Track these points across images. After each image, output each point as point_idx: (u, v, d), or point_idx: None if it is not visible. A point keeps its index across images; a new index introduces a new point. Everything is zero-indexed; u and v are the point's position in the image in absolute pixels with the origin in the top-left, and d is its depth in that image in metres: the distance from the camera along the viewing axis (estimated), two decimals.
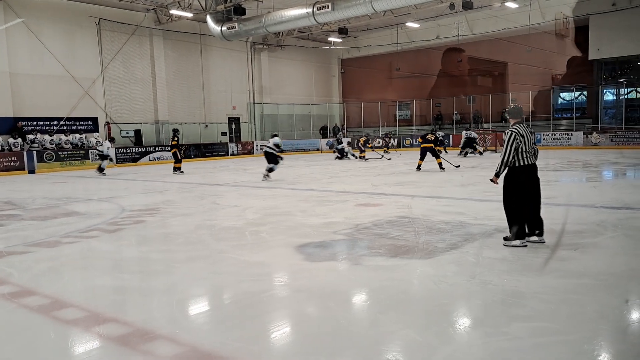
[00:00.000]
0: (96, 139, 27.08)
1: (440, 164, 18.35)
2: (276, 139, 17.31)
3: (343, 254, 6.89)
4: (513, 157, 6.65)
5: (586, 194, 11.90)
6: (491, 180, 7.16)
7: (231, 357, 3.85)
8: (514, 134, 6.62)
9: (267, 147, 17.12)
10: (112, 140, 25.32)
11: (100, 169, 21.77)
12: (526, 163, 6.65)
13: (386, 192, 12.85)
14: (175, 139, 20.99)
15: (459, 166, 19.25)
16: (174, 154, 21.26)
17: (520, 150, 6.62)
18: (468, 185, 13.76)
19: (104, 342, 4.22)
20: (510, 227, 6.80)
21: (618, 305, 4.66)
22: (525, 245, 6.65)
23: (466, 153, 26.25)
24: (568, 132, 30.71)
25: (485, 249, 6.65)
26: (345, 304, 5.05)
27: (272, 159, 16.92)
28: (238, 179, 18.28)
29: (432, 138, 19.00)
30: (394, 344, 4.03)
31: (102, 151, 22.23)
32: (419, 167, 18.74)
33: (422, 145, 18.89)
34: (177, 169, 21.03)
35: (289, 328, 4.51)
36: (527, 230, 6.78)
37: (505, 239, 6.86)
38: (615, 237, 7.20)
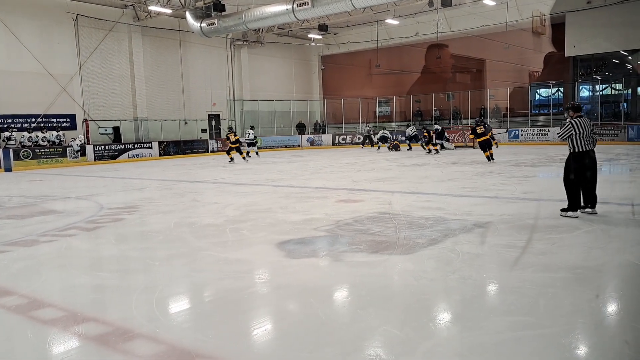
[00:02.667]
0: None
1: (491, 155, 18.95)
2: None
3: (324, 251, 6.90)
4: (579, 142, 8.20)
5: (563, 189, 11.98)
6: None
7: (212, 355, 3.84)
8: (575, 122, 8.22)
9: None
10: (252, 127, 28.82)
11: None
12: (585, 149, 8.24)
13: (366, 188, 12.88)
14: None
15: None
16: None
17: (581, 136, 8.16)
18: (447, 181, 13.82)
19: (83, 341, 4.19)
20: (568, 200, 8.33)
21: (594, 299, 4.72)
22: (577, 217, 8.12)
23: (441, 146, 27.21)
24: (545, 128, 30.96)
25: (465, 244, 6.70)
26: (326, 300, 5.06)
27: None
28: (218, 176, 18.22)
29: (484, 129, 19.29)
30: (374, 339, 4.05)
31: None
32: (489, 158, 18.98)
33: (480, 140, 19.11)
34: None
35: (270, 325, 4.51)
36: (582, 204, 8.34)
37: (562, 210, 8.37)
38: (590, 231, 7.28)
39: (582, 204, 8.30)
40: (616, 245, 6.63)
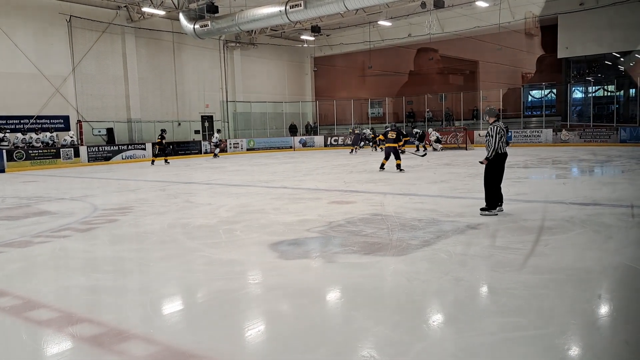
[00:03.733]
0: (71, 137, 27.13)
1: (398, 165, 17.16)
2: None
3: (316, 252, 6.91)
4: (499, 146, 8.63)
5: (556, 190, 12.07)
6: (481, 162, 9.03)
7: (206, 356, 3.85)
8: (498, 127, 8.67)
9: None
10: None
11: None
12: (504, 151, 8.75)
13: (359, 190, 12.91)
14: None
15: (425, 154, 18.89)
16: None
17: (503, 141, 8.67)
18: (440, 183, 13.86)
19: (77, 342, 4.20)
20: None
21: (587, 300, 4.75)
22: (497, 214, 8.68)
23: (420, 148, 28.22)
24: (538, 130, 31.09)
25: (458, 245, 6.73)
26: (318, 301, 5.08)
27: None
28: (211, 177, 18.22)
29: (394, 136, 17.40)
30: (367, 340, 4.07)
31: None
32: (382, 167, 17.73)
33: (387, 145, 17.55)
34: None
35: (263, 326, 4.52)
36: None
37: (482, 209, 8.82)
38: (584, 233, 7.32)
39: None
40: (609, 246, 6.66)
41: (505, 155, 8.79)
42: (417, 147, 28.42)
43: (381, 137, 18.08)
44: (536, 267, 5.70)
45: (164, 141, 26.55)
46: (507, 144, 9.06)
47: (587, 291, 5.00)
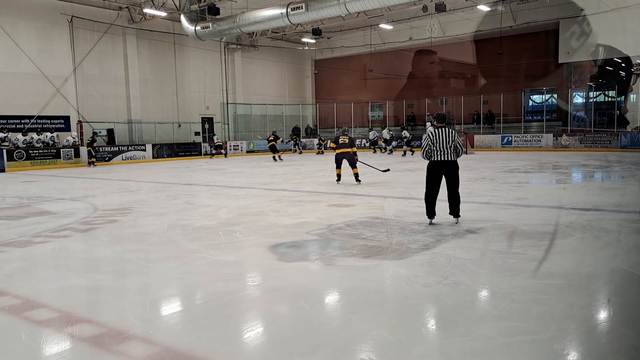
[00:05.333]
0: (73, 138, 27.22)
1: (356, 175, 15.17)
2: None
3: (316, 254, 6.92)
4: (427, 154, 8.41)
5: (556, 195, 12.08)
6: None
7: (204, 357, 3.85)
8: (426, 135, 8.43)
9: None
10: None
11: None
12: (438, 159, 8.36)
13: (358, 193, 12.90)
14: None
15: (387, 170, 16.41)
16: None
17: (429, 149, 8.35)
18: (440, 186, 13.83)
19: (77, 342, 4.20)
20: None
21: (586, 305, 4.75)
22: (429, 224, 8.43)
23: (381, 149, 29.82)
24: (538, 134, 31.10)
25: (457, 249, 6.72)
26: (318, 304, 5.08)
27: None
28: (211, 178, 18.22)
29: (347, 141, 15.15)
30: (366, 343, 4.06)
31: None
32: (339, 178, 15.50)
33: (340, 151, 15.00)
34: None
35: (262, 328, 4.52)
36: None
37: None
38: (584, 238, 7.32)
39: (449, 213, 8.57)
40: (609, 252, 6.66)
41: (438, 163, 8.37)
42: (405, 152, 28.76)
43: (332, 144, 15.51)
44: (536, 272, 5.70)
45: (94, 144, 26.88)
46: (457, 153, 8.43)
47: (587, 296, 5.00)
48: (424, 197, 8.62)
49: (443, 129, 8.40)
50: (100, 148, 28.24)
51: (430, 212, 8.53)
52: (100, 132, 29.49)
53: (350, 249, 7.00)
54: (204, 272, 6.17)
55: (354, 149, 15.09)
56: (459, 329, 4.23)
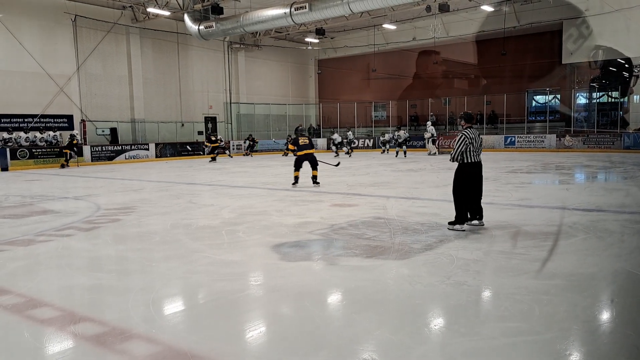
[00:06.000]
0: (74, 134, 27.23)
1: (315, 177, 14.69)
2: None
3: (318, 254, 6.92)
4: (462, 155, 7.92)
5: (559, 196, 12.06)
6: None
7: (207, 357, 3.86)
8: (464, 136, 7.89)
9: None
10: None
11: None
12: (474, 160, 7.95)
13: (361, 193, 12.90)
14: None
15: (338, 164, 16.55)
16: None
17: (468, 150, 7.89)
18: (443, 187, 13.84)
19: (79, 341, 4.20)
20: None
21: (589, 306, 4.75)
22: (464, 230, 7.87)
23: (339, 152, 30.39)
24: (542, 135, 31.06)
25: (460, 250, 6.72)
26: (320, 303, 5.08)
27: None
28: (214, 178, 18.23)
29: (308, 142, 14.79)
30: (369, 343, 4.06)
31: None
32: (296, 180, 14.79)
33: (302, 153, 14.48)
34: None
35: (264, 327, 4.53)
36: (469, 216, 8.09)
37: (450, 223, 8.08)
38: (587, 238, 7.31)
39: (469, 216, 8.11)
40: (612, 252, 6.65)
41: (472, 165, 7.96)
42: (397, 152, 28.94)
43: (291, 146, 14.99)
44: (538, 272, 5.70)
45: (74, 147, 25.94)
46: (478, 152, 8.06)
47: (589, 297, 5.00)
48: (455, 201, 8.08)
49: (471, 128, 8.08)
50: (103, 147, 28.26)
51: (466, 217, 8.06)
52: (103, 131, 29.54)
53: (353, 248, 7.00)
54: (207, 271, 6.18)
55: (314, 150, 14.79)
56: (462, 329, 4.23)
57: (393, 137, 30.54)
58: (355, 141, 34.02)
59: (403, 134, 28.77)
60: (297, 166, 14.70)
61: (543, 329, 4.18)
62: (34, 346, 4.20)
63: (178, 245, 7.57)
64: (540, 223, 8.37)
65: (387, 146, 32.48)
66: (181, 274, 6.07)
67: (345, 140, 31.75)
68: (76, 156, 25.93)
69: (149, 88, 31.90)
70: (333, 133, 33.48)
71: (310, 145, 14.75)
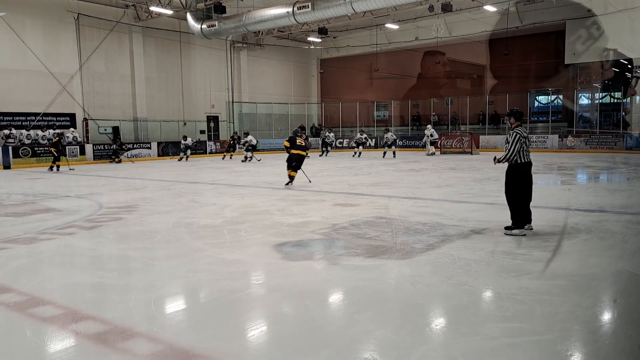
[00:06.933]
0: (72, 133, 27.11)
1: (292, 178, 14.55)
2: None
3: (320, 254, 6.93)
4: (518, 155, 7.60)
5: (561, 196, 12.06)
6: (496, 160, 8.03)
7: (208, 356, 3.86)
8: (518, 134, 7.61)
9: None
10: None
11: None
12: (526, 160, 7.69)
13: (363, 193, 12.90)
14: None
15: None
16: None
17: (522, 149, 7.60)
18: (445, 187, 13.86)
19: (81, 339, 4.21)
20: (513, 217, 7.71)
21: (590, 306, 4.75)
22: (525, 235, 7.54)
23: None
24: (544, 135, 31.03)
25: (462, 250, 6.73)
26: (322, 303, 5.09)
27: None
28: (216, 177, 18.24)
29: (304, 143, 14.80)
30: (370, 343, 4.07)
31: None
32: (291, 180, 14.54)
33: (295, 152, 14.55)
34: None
35: (265, 327, 4.54)
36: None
37: (507, 228, 7.74)
38: (588, 239, 7.31)
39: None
40: (613, 253, 6.65)
41: (526, 165, 7.73)
42: (385, 153, 28.82)
43: (286, 143, 15.04)
44: (540, 273, 5.70)
45: (60, 146, 22.80)
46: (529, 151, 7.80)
47: (591, 298, 5.00)
48: (510, 205, 7.81)
49: (521, 126, 7.85)
50: (105, 146, 28.28)
51: (524, 220, 7.72)
52: (105, 130, 29.55)
53: (355, 248, 7.00)
54: (209, 270, 6.19)
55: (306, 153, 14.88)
56: (463, 329, 4.23)
57: (387, 138, 30.39)
58: (367, 141, 33.28)
59: (390, 135, 28.73)
60: (289, 165, 14.66)
61: (544, 329, 4.19)
62: (36, 344, 4.21)
63: (180, 244, 7.58)
64: (542, 223, 8.36)
65: (360, 148, 30.38)
66: (183, 273, 6.08)
67: (362, 138, 31.07)
68: (59, 155, 22.93)
69: (152, 87, 31.90)
70: (330, 131, 33.41)
71: (305, 148, 14.78)
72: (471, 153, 29.11)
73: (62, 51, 27.85)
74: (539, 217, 9.07)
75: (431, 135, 28.92)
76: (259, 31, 34.43)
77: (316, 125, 41.19)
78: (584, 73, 32.46)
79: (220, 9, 27.31)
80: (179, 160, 28.91)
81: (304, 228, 8.49)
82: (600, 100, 32.38)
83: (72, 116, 28.37)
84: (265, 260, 6.61)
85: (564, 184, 14.59)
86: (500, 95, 33.87)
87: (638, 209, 9.99)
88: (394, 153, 28.36)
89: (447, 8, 27.87)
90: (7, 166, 23.98)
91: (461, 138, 30.71)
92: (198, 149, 32.15)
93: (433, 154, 28.71)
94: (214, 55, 35.62)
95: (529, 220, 7.80)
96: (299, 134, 15.76)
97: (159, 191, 14.15)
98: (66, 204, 12.00)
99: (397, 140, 30.32)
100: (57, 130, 25.92)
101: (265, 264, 6.47)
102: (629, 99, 31.18)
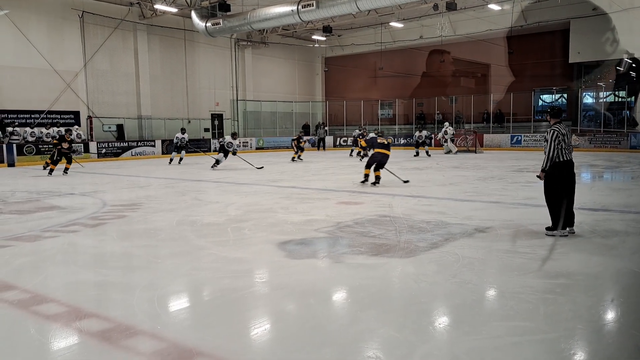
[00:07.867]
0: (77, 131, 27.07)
1: (378, 178, 13.98)
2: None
3: (324, 252, 6.93)
4: (557, 153, 7.38)
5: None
6: (538, 177, 7.83)
7: (212, 354, 3.87)
8: (555, 132, 7.43)
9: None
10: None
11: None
12: (566, 159, 7.40)
13: (367, 191, 12.89)
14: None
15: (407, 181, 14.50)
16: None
17: (561, 147, 7.36)
18: (449, 185, 13.85)
19: (85, 337, 4.22)
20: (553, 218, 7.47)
21: (593, 305, 4.74)
22: (567, 235, 7.32)
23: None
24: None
25: (466, 248, 6.72)
26: (325, 301, 5.09)
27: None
28: (220, 175, 18.24)
29: (386, 142, 14.12)
30: (373, 341, 4.07)
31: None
32: (377, 180, 13.92)
33: (381, 151, 13.90)
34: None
35: (269, 325, 4.53)
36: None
37: (548, 229, 7.53)
38: (591, 238, 7.29)
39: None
40: (617, 252, 6.64)
41: (565, 163, 7.42)
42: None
43: (363, 143, 15.02)
44: (544, 272, 5.69)
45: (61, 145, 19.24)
46: (570, 149, 7.50)
47: (594, 296, 4.99)
48: (549, 206, 7.63)
49: (560, 124, 7.63)
50: (109, 144, 28.30)
51: (566, 219, 7.42)
52: (110, 128, 29.59)
53: (359, 246, 7.00)
54: (212, 268, 6.20)
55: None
56: (466, 328, 4.23)
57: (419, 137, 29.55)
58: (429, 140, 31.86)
59: (425, 133, 28.39)
60: (370, 164, 14.06)
61: (548, 328, 4.18)
62: (40, 342, 4.22)
63: (184, 242, 7.58)
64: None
65: (352, 149, 29.46)
66: (186, 271, 6.08)
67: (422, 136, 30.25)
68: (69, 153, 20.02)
69: (156, 85, 31.91)
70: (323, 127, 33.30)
71: (388, 146, 14.04)
72: (475, 151, 29.08)
73: (67, 49, 27.87)
74: (543, 215, 9.06)
75: (446, 133, 28.64)
76: (264, 29, 34.42)
77: (322, 123, 41.18)
78: (588, 72, 32.40)
79: (224, 7, 27.31)
80: (170, 162, 25.08)
81: (308, 226, 8.49)
82: (605, 99, 32.28)
83: (77, 114, 28.40)
84: (268, 258, 6.61)
85: None
86: (504, 94, 33.79)
87: None
88: (427, 152, 26.76)
89: (451, 7, 27.82)
90: (11, 164, 24.00)
91: (465, 137, 30.67)
92: (202, 146, 32.14)
93: (455, 152, 28.31)
94: (218, 53, 35.60)
95: (571, 223, 7.50)
96: (379, 134, 14.98)
97: (163, 189, 14.17)
98: (70, 201, 12.02)
99: (430, 138, 29.18)
100: (61, 128, 25.69)
101: (268, 262, 6.48)
102: (633, 97, 31.09)
